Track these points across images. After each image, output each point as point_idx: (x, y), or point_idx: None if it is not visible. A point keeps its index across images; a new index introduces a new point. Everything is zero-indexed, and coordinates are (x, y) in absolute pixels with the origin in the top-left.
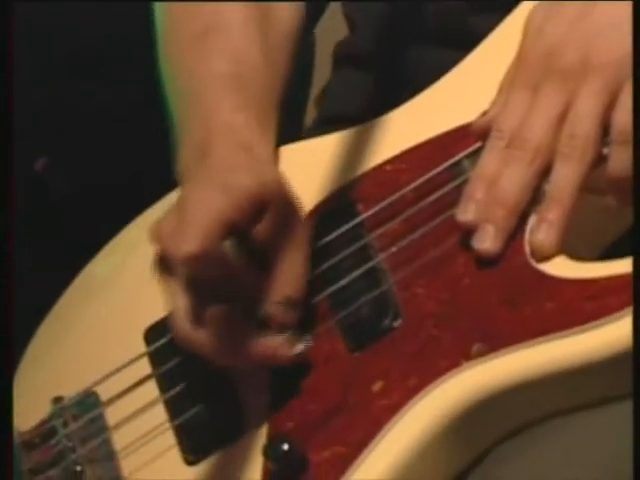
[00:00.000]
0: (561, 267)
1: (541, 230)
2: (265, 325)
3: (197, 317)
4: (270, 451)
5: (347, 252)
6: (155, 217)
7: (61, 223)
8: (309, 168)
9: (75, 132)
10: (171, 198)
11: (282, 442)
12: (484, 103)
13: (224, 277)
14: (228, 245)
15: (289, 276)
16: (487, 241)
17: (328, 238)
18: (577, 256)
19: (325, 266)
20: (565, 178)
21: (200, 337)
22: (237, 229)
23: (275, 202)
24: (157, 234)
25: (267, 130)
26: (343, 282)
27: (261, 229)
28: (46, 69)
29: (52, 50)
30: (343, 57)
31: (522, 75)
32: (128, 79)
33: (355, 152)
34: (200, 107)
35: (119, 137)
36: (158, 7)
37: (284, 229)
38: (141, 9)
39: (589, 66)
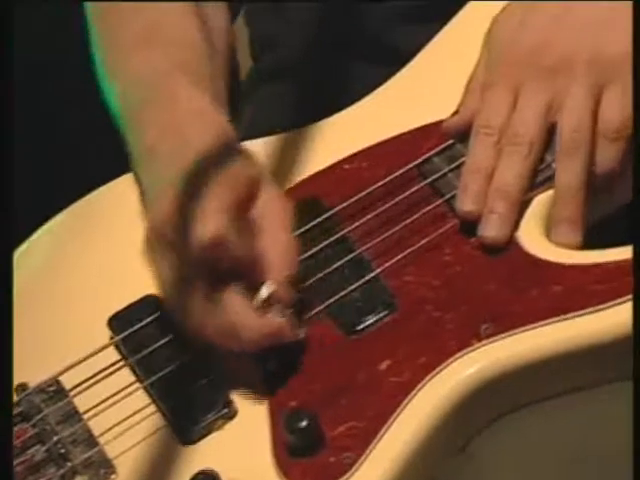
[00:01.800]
0: (558, 254)
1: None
2: (264, 308)
3: (206, 299)
4: (288, 426)
5: (324, 244)
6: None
7: None
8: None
9: None
10: (118, 182)
11: (300, 418)
12: (441, 104)
13: (233, 259)
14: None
15: (286, 256)
16: (493, 229)
17: (299, 231)
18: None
19: (302, 258)
20: (576, 173)
21: (213, 320)
22: (236, 214)
23: (263, 186)
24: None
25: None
26: (326, 271)
27: (255, 212)
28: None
29: None
30: (266, 74)
31: (503, 72)
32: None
33: (310, 150)
34: (165, 94)
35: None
36: (91, 16)
37: (274, 212)
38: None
39: (575, 63)
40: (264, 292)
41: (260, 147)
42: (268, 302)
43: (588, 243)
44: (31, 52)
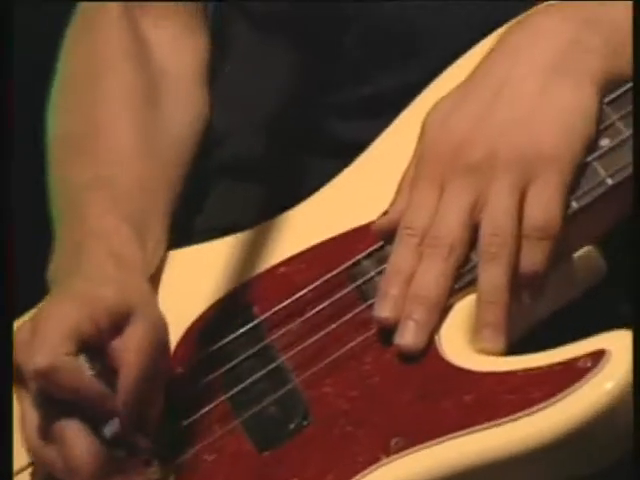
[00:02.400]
0: (476, 361)
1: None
2: (116, 443)
3: (46, 432)
4: None
5: (247, 354)
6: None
7: None
8: (201, 271)
9: None
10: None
11: None
12: (379, 204)
13: (73, 392)
14: (82, 359)
15: (145, 400)
16: (409, 337)
17: (225, 341)
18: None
19: (224, 369)
20: (497, 277)
21: (48, 453)
22: (91, 343)
23: (136, 319)
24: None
25: (143, 237)
26: (245, 384)
27: (118, 344)
28: None
29: None
30: (221, 170)
31: (427, 171)
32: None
33: (247, 255)
34: (72, 213)
35: None
36: (51, 111)
37: (143, 350)
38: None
39: (496, 162)
40: (107, 431)
41: (204, 250)
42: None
43: (531, 346)
44: (31, 52)
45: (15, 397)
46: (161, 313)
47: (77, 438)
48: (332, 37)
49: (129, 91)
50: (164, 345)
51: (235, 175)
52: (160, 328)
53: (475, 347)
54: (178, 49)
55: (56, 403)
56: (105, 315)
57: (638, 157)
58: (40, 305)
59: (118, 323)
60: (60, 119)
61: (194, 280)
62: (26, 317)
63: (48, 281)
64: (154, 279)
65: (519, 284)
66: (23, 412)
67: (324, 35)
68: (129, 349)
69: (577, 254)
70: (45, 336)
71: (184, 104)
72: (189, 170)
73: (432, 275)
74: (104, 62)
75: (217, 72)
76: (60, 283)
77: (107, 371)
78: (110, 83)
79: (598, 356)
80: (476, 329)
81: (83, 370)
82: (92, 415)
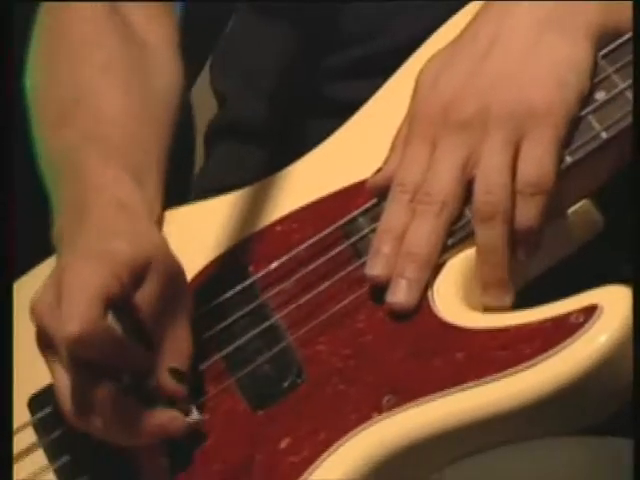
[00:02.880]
0: (469, 318)
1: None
2: (153, 398)
3: (84, 399)
4: None
5: (241, 313)
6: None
7: None
8: (198, 230)
9: None
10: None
11: None
12: (374, 161)
13: (108, 355)
14: (110, 319)
15: (174, 348)
16: (401, 295)
17: (220, 299)
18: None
19: (219, 327)
20: (494, 237)
21: (89, 419)
22: (118, 300)
23: (154, 267)
24: (36, 311)
25: (143, 186)
26: (239, 342)
27: (141, 296)
28: None
29: None
30: (221, 132)
31: (419, 128)
32: None
33: (244, 213)
34: (69, 173)
35: None
36: (29, 76)
37: (165, 296)
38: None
39: (488, 118)
40: (147, 386)
41: (201, 209)
42: (153, 396)
43: (526, 301)
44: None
45: (46, 363)
46: (176, 258)
47: (113, 399)
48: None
49: (113, 57)
50: (185, 290)
51: (234, 138)
52: (178, 273)
53: (481, 306)
54: (154, 25)
55: (89, 367)
56: (125, 270)
57: (637, 160)
58: (55, 268)
59: (138, 276)
60: (43, 86)
61: (190, 239)
62: (34, 280)
63: (54, 244)
64: None
65: (514, 240)
66: (55, 379)
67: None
68: (152, 301)
69: (572, 209)
70: (72, 301)
71: (166, 71)
72: (175, 132)
73: (424, 232)
74: (84, 34)
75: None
76: (68, 243)
77: (133, 326)
78: (92, 50)
79: (590, 311)
80: (482, 289)
81: (114, 331)
82: (127, 373)
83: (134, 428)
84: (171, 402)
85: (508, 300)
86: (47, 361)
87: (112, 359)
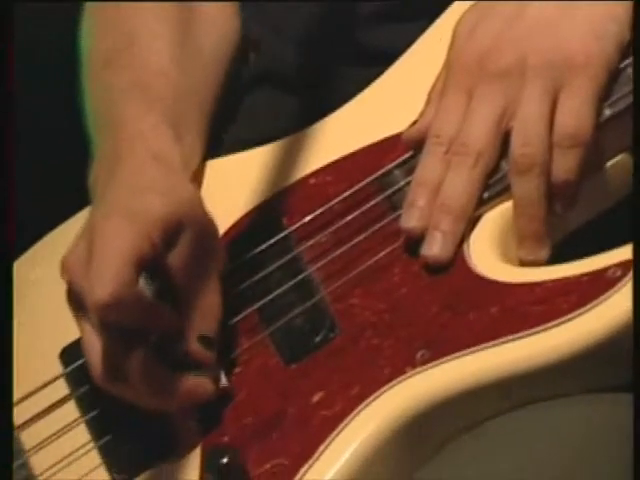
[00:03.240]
0: (505, 272)
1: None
2: (182, 364)
3: (114, 363)
4: (208, 464)
5: (275, 265)
6: (73, 231)
7: None
8: (232, 182)
9: None
10: None
11: (221, 455)
12: (410, 114)
13: (138, 319)
14: (141, 281)
15: (204, 313)
16: (436, 248)
17: (254, 252)
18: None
19: (253, 280)
20: (532, 190)
21: (118, 383)
22: (149, 262)
23: (188, 225)
24: (67, 268)
25: (182, 139)
26: (273, 295)
27: (173, 258)
28: None
29: None
30: (255, 80)
31: (455, 79)
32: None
33: (278, 166)
34: (109, 119)
35: None
36: (85, 24)
37: (197, 258)
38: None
39: (526, 67)
40: (178, 351)
41: (236, 161)
42: (182, 360)
43: (563, 256)
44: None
45: (76, 323)
46: (210, 215)
47: (143, 364)
48: None
49: (165, 8)
50: (218, 251)
51: (267, 86)
52: (212, 233)
53: (517, 260)
54: None
55: (119, 331)
56: (157, 229)
57: (638, 155)
58: (87, 222)
59: (170, 235)
60: (94, 37)
61: (225, 191)
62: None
63: (89, 191)
64: None
65: (551, 193)
66: (85, 341)
67: None
68: (184, 264)
69: (611, 162)
70: (103, 265)
71: (218, 26)
72: (224, 83)
73: (459, 184)
74: None
75: None
76: (101, 196)
77: (164, 288)
78: (142, 4)
79: (628, 265)
80: (518, 242)
81: (145, 295)
82: (157, 336)
83: (163, 393)
84: (200, 367)
85: (544, 254)
86: (78, 321)
87: (142, 323)
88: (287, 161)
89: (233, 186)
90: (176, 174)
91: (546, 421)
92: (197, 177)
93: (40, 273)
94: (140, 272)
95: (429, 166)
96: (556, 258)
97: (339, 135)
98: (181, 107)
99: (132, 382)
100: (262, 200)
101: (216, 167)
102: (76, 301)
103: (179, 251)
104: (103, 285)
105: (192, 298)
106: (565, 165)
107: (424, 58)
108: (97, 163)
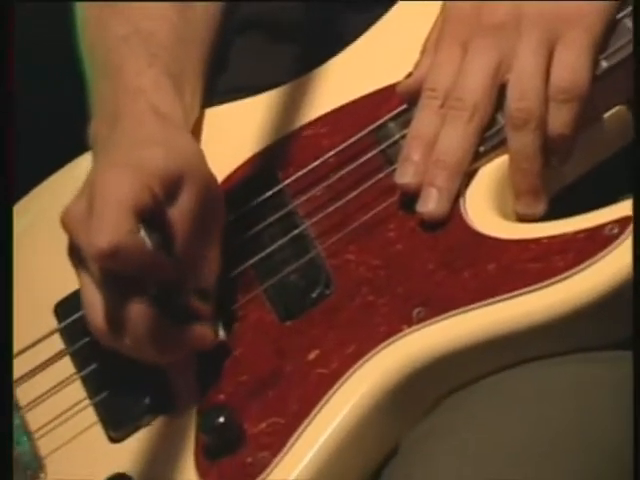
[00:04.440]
0: (501, 228)
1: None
2: (181, 315)
3: (114, 314)
4: (204, 423)
5: (270, 220)
6: (67, 179)
7: None
8: (226, 133)
9: None
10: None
11: (218, 414)
12: (406, 63)
13: (138, 268)
14: (142, 233)
15: (203, 266)
16: (431, 204)
17: (249, 206)
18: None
19: (248, 235)
20: (528, 144)
21: (120, 335)
22: (149, 213)
23: (189, 179)
24: (68, 222)
25: (183, 93)
26: (268, 250)
27: (174, 211)
28: None
29: None
30: (247, 23)
31: (451, 31)
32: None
33: (272, 116)
34: (109, 69)
35: None
36: None
37: (198, 213)
38: None
39: (522, 20)
40: (176, 302)
41: (229, 111)
42: (181, 311)
43: (559, 212)
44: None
45: (77, 278)
46: (210, 169)
47: (143, 314)
48: None
49: None
50: (218, 206)
51: (262, 32)
52: (212, 186)
53: (514, 215)
54: None
55: (119, 282)
56: (158, 181)
57: (638, 153)
58: (88, 176)
59: (171, 188)
60: None
61: (218, 142)
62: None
63: (89, 144)
64: None
65: (547, 147)
66: (85, 294)
67: None
68: (185, 218)
69: (608, 114)
70: (103, 214)
71: None
72: (221, 31)
73: (454, 139)
74: None
75: None
76: (102, 149)
77: (164, 241)
78: None
79: (625, 222)
80: (515, 196)
81: (145, 245)
82: (156, 288)
83: (163, 344)
84: (198, 319)
85: (541, 208)
86: (78, 276)
87: (142, 272)
88: (281, 111)
89: (226, 137)
90: (177, 128)
91: (540, 379)
92: (195, 129)
93: (32, 224)
94: (140, 222)
95: (424, 120)
96: (553, 213)
97: (334, 84)
98: (182, 56)
99: (132, 333)
100: (256, 152)
101: (209, 116)
102: (77, 254)
103: (180, 205)
104: (103, 234)
105: (192, 252)
106: (561, 119)
107: (418, 10)
108: (97, 118)
